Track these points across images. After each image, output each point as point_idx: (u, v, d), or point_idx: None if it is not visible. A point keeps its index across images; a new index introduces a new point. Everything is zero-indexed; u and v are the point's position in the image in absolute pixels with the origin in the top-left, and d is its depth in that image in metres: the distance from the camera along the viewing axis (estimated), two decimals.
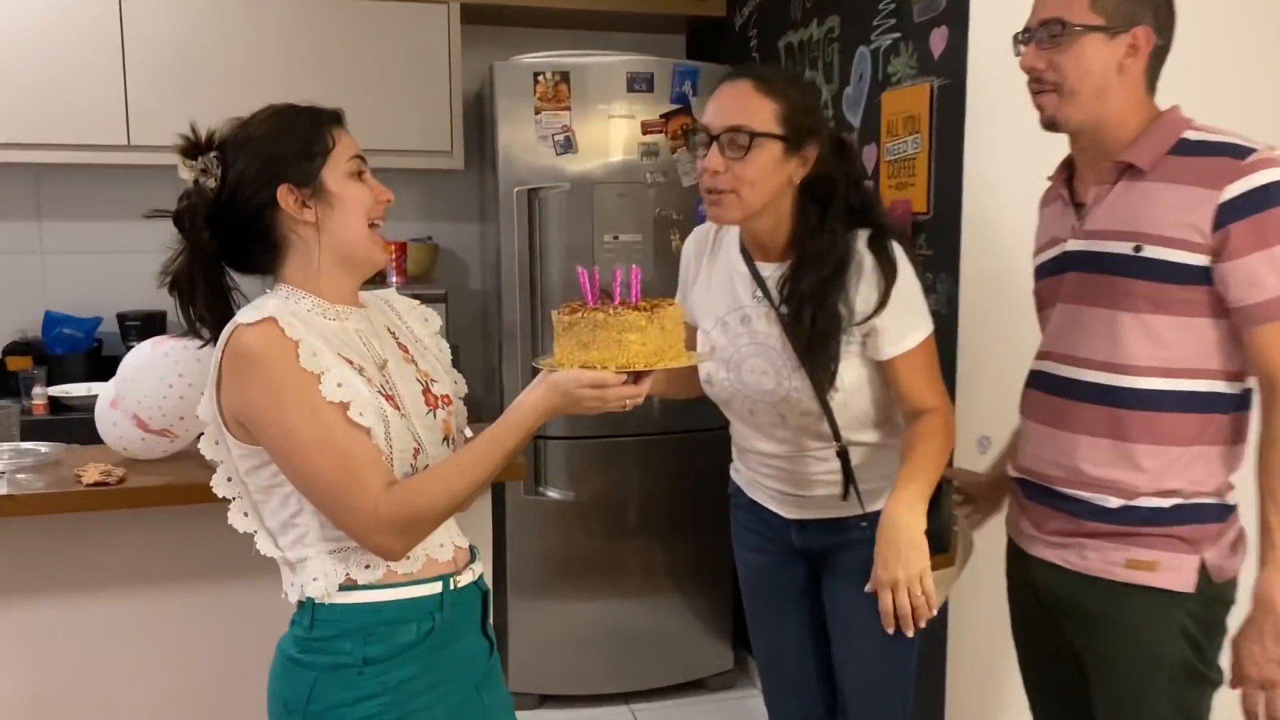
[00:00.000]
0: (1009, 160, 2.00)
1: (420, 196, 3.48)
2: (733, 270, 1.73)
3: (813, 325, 1.60)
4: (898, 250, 1.63)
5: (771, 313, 1.67)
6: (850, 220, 1.63)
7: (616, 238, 2.98)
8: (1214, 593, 1.44)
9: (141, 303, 3.11)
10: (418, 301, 1.52)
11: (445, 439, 1.40)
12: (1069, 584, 1.52)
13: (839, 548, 1.75)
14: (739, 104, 1.58)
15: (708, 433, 2.74)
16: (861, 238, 1.63)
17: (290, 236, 1.30)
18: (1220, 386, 1.43)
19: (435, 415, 1.38)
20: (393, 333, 1.43)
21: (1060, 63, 1.43)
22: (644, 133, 2.95)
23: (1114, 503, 1.46)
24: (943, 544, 1.64)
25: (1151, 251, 1.40)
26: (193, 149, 1.29)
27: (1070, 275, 1.52)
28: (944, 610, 1.92)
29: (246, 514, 1.34)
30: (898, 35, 2.29)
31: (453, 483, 1.27)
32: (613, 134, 2.95)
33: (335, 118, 1.34)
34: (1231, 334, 1.41)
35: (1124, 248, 1.43)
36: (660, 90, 2.95)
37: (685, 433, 3.05)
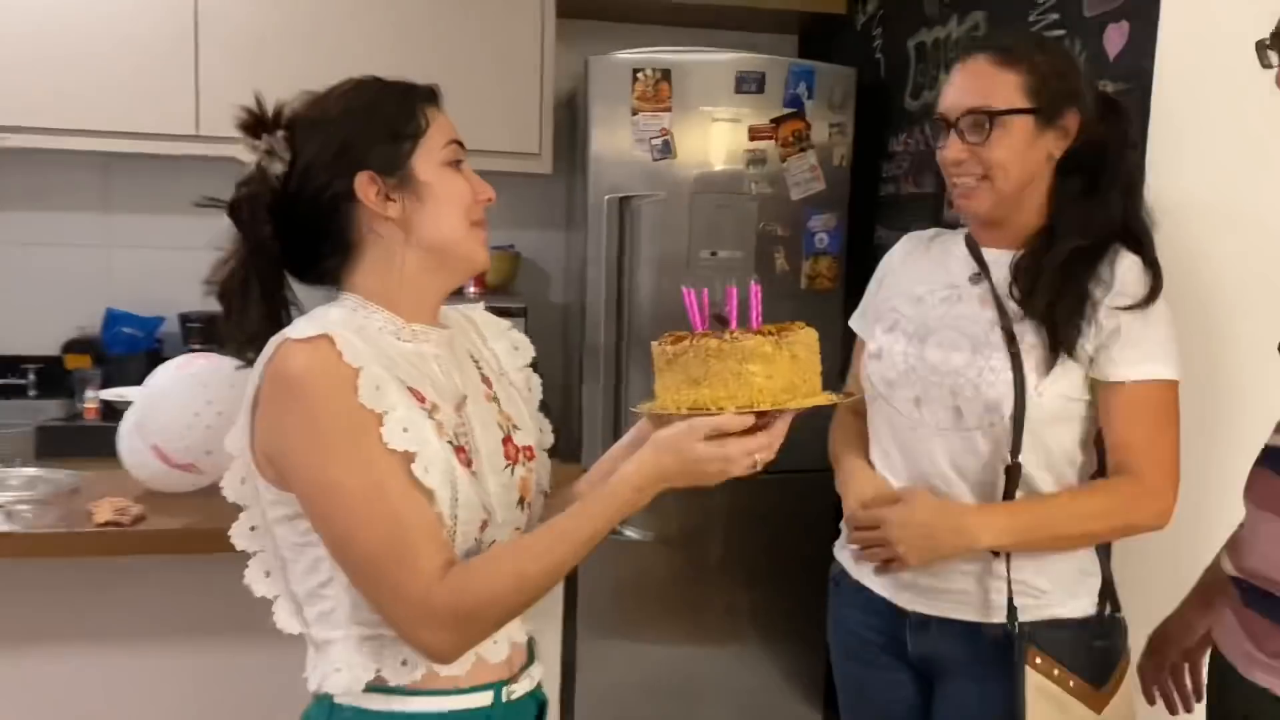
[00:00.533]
0: (1200, 181, 1.67)
1: (503, 201, 3.15)
2: (948, 252, 1.50)
3: (1053, 301, 1.33)
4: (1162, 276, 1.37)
5: (989, 297, 1.40)
6: (1126, 199, 1.39)
7: (714, 254, 2.69)
8: None
9: (206, 304, 2.92)
10: (509, 323, 1.27)
11: (521, 501, 1.13)
12: None
13: (964, 663, 1.39)
14: (976, 81, 1.37)
15: (814, 474, 2.45)
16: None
17: (369, 236, 1.08)
18: None
19: (513, 472, 1.12)
20: (476, 361, 1.18)
21: None
22: (751, 139, 2.67)
23: None
24: (1103, 674, 1.37)
25: None
26: (256, 125, 1.07)
27: None
28: None
29: (269, 573, 1.09)
30: (1061, 32, 1.96)
31: (523, 565, 1.00)
32: (716, 139, 2.67)
33: (430, 95, 1.12)
34: None
35: None
36: (771, 92, 2.66)
37: (788, 473, 2.73)
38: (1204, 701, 1.42)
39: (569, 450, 2.87)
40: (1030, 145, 1.36)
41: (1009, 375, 1.35)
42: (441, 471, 1.01)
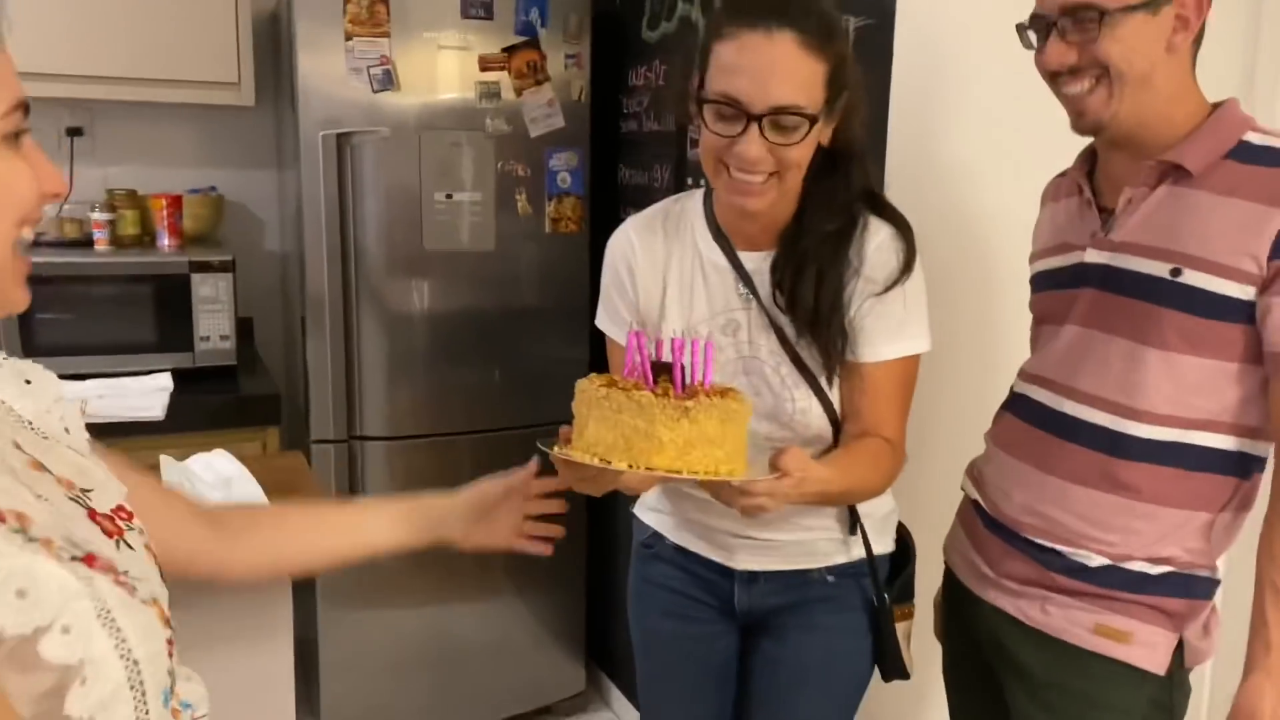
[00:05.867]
0: (947, 123, 1.67)
1: (200, 138, 2.86)
2: (704, 264, 1.38)
3: (817, 289, 1.29)
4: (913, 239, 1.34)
5: (764, 316, 1.33)
6: (863, 174, 1.34)
7: (450, 196, 2.48)
8: (1181, 678, 1.24)
9: None
10: (1, 350, 0.89)
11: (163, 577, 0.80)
12: (1020, 640, 1.30)
13: (791, 608, 1.44)
14: (786, 71, 1.21)
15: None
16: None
17: None
18: (1246, 446, 1.19)
19: (130, 545, 0.77)
20: None
21: (1101, 51, 1.13)
22: (482, 69, 2.45)
23: (1096, 561, 1.23)
24: (909, 593, 1.49)
25: (1192, 277, 1.13)
26: None
27: (1086, 293, 1.23)
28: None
29: None
30: None
31: None
32: (443, 69, 2.43)
33: None
34: (1264, 386, 1.15)
35: (1159, 269, 1.15)
36: (502, 19, 2.45)
37: (528, 428, 2.62)
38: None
39: (296, 412, 2.59)
40: (814, 142, 1.27)
41: (817, 406, 1.34)
42: (84, 619, 0.67)
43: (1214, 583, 1.24)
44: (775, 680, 1.45)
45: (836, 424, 1.36)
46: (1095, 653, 1.23)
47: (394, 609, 2.64)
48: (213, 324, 2.46)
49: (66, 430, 0.84)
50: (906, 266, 1.32)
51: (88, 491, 0.79)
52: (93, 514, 0.77)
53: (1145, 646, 1.22)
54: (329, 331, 2.45)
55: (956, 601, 1.42)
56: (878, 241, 1.32)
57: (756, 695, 1.47)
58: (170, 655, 0.75)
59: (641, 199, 2.52)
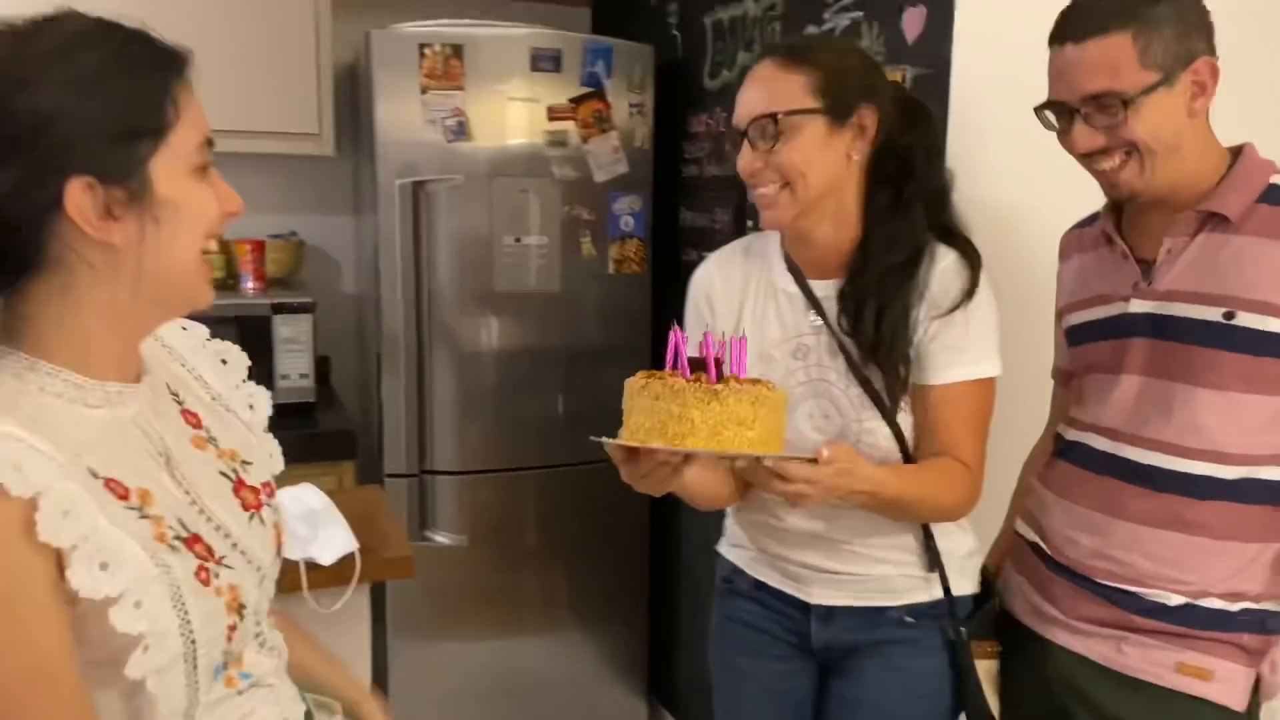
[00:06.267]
0: (999, 168, 1.71)
1: (282, 186, 3.00)
2: (776, 292, 1.44)
3: (878, 320, 1.32)
4: (981, 266, 1.37)
5: (834, 340, 1.37)
6: (929, 205, 1.38)
7: (518, 239, 2.57)
8: (1256, 713, 1.26)
9: None
10: (206, 332, 1.04)
11: (278, 549, 0.96)
12: (1094, 680, 1.30)
13: (869, 649, 1.43)
14: (764, 87, 1.33)
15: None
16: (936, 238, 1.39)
17: (66, 260, 0.80)
18: None
19: (261, 520, 0.94)
20: (175, 396, 0.95)
21: (1128, 133, 1.18)
22: (550, 119, 2.55)
23: (1175, 600, 1.25)
24: (990, 630, 1.46)
25: (1246, 319, 1.17)
26: None
27: (1139, 342, 1.27)
28: None
29: None
30: (858, 14, 1.96)
31: None
32: (513, 119, 2.53)
33: (181, 67, 0.85)
34: None
35: (1211, 313, 1.19)
36: (569, 70, 2.55)
37: (596, 463, 2.68)
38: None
39: (370, 447, 2.69)
40: (823, 145, 1.32)
41: (885, 429, 1.36)
42: (157, 599, 0.79)
43: None
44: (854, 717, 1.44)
45: (907, 452, 1.37)
46: (1177, 691, 1.25)
47: (460, 641, 2.71)
48: (292, 363, 2.57)
49: (251, 407, 1.01)
50: (970, 290, 1.34)
51: (247, 464, 0.95)
52: (240, 485, 0.93)
53: (1226, 683, 1.24)
54: (403, 369, 2.55)
55: (1020, 649, 1.42)
56: (943, 266, 1.35)
57: None
58: (230, 639, 0.86)
59: (701, 241, 2.59)
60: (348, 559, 1.38)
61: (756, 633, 1.52)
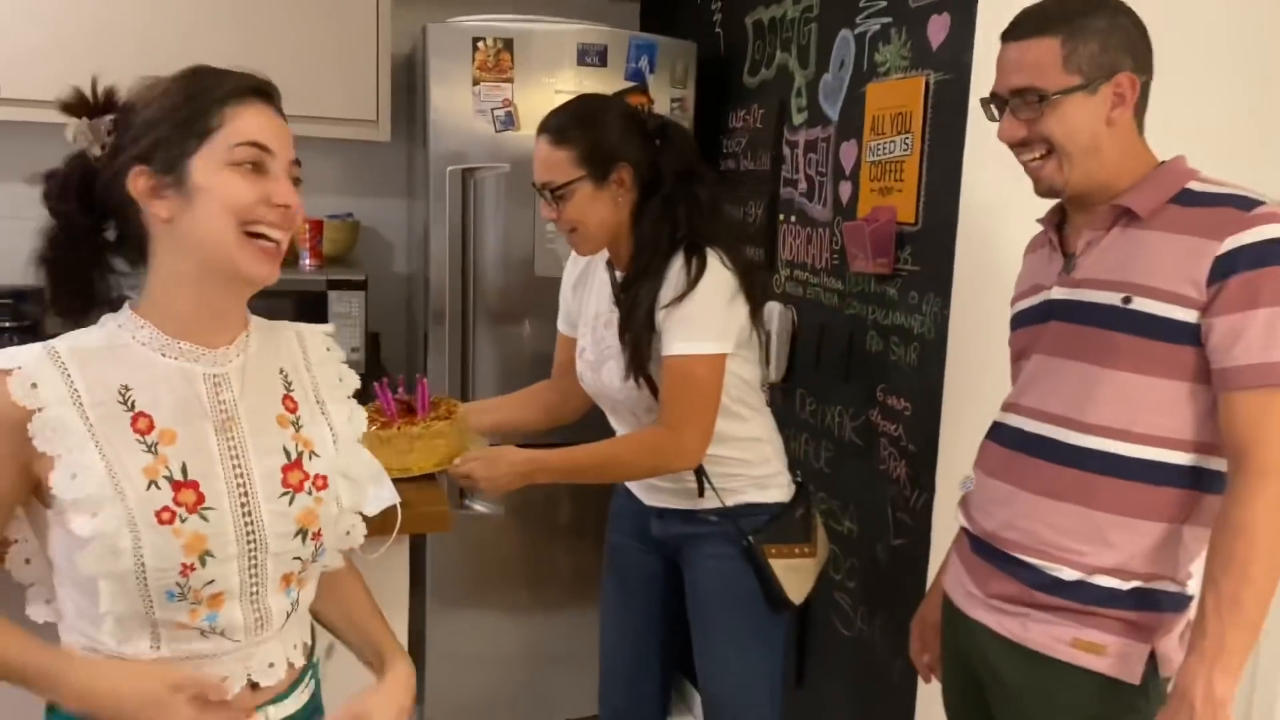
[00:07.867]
0: (1016, 171, 1.78)
1: (341, 169, 3.15)
2: (603, 277, 1.85)
3: (632, 305, 1.71)
4: (714, 259, 1.68)
5: (615, 317, 1.77)
6: (688, 210, 1.70)
7: None
8: (1157, 687, 1.32)
9: (13, 276, 2.72)
10: (342, 355, 1.24)
11: (302, 532, 1.11)
12: (1005, 655, 1.40)
13: (692, 540, 1.84)
14: (543, 159, 1.71)
15: None
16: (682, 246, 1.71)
17: (151, 235, 1.06)
18: (1203, 461, 1.29)
19: (292, 500, 1.10)
20: (286, 377, 1.16)
21: (1045, 129, 1.29)
22: None
23: (1069, 575, 1.33)
24: (805, 533, 1.82)
25: (1141, 304, 1.26)
26: (81, 107, 1.05)
27: (1052, 325, 1.37)
28: (910, 666, 1.71)
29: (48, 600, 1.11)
30: (888, 20, 2.05)
31: None
32: None
33: (239, 92, 1.05)
34: (1216, 405, 1.26)
35: (1112, 298, 1.29)
36: (614, 65, 2.67)
37: None
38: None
39: None
40: (593, 200, 1.70)
41: (646, 386, 1.74)
42: (110, 517, 0.99)
43: (1184, 598, 1.32)
44: (693, 598, 1.87)
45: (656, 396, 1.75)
46: (1074, 665, 1.33)
47: (496, 609, 2.85)
48: (345, 337, 2.71)
49: (340, 380, 1.22)
50: (691, 284, 1.65)
51: (314, 454, 1.14)
52: (295, 465, 1.11)
53: (1119, 658, 1.31)
54: (448, 346, 2.69)
55: (951, 623, 1.53)
56: (675, 267, 1.69)
57: (689, 610, 1.88)
58: (185, 574, 1.03)
59: (737, 232, 2.68)
60: (390, 511, 1.50)
61: (624, 520, 1.98)
